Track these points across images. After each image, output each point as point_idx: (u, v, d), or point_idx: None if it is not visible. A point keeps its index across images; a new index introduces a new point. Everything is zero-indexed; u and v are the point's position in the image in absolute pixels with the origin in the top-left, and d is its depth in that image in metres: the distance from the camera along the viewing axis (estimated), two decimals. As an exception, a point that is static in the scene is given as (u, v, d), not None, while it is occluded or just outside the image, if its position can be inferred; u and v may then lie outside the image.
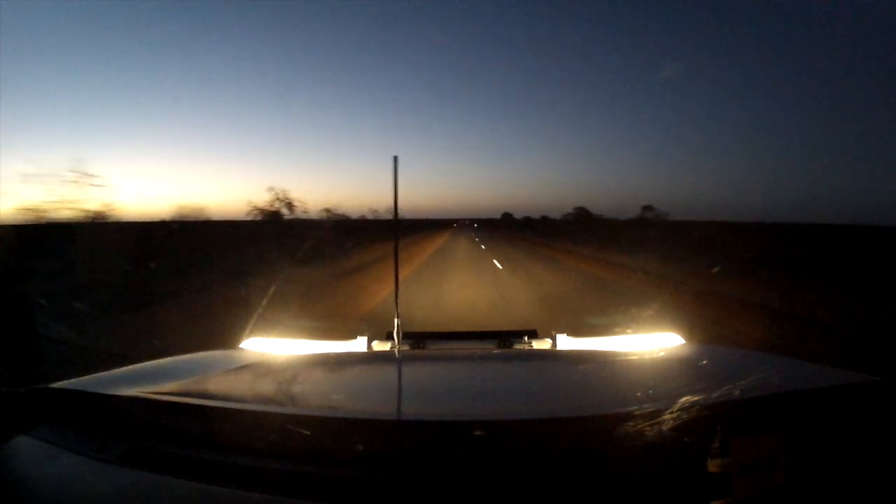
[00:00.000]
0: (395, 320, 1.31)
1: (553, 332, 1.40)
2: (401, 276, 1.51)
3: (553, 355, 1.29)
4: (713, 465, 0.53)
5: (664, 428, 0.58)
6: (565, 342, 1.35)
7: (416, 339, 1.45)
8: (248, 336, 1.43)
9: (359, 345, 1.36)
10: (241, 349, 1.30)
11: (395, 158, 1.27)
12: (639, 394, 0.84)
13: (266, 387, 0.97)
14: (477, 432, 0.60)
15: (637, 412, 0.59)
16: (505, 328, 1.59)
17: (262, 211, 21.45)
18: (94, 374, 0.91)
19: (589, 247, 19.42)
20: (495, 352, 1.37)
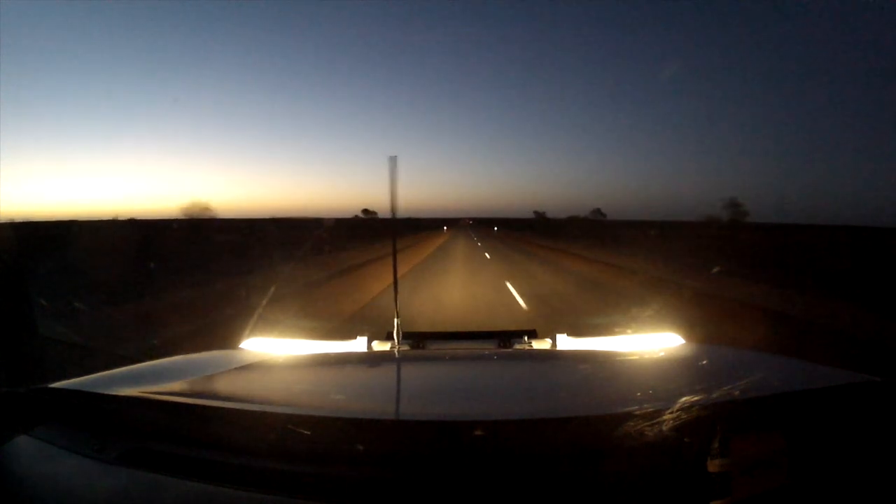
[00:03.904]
0: (395, 320, 1.31)
1: (553, 332, 1.41)
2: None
3: (553, 355, 1.29)
4: (713, 465, 0.53)
5: (664, 428, 0.58)
6: (565, 342, 1.35)
7: (416, 339, 1.45)
8: (249, 336, 1.43)
9: (359, 345, 1.36)
10: (241, 349, 1.30)
11: (392, 158, 1.27)
12: (639, 394, 0.84)
13: (266, 387, 0.97)
14: (477, 432, 0.60)
15: (637, 412, 0.59)
16: (505, 328, 1.59)
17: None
18: (94, 374, 0.91)
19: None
20: (495, 352, 1.37)
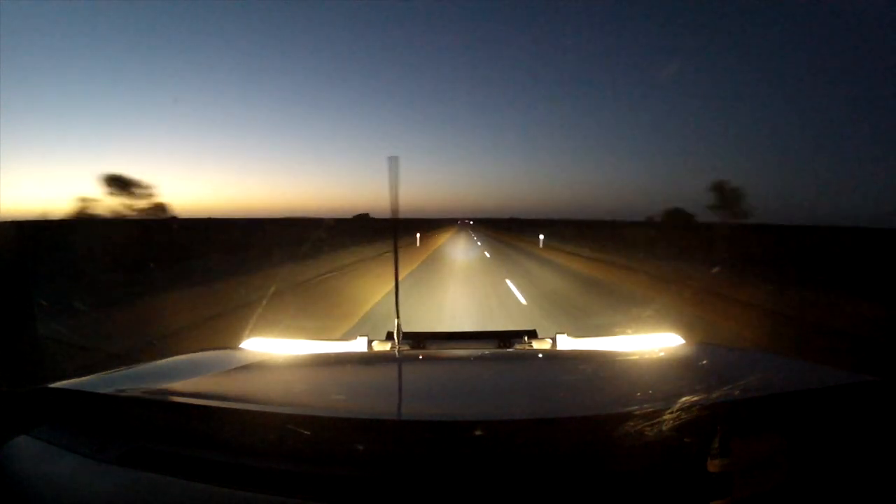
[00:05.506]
0: (395, 320, 1.31)
1: (553, 333, 1.41)
2: None
3: (553, 355, 1.29)
4: (713, 465, 0.53)
5: (664, 428, 0.58)
6: (565, 342, 1.35)
7: (416, 339, 1.45)
8: (249, 336, 1.43)
9: (359, 345, 1.36)
10: (241, 349, 1.30)
11: (393, 159, 1.27)
12: (639, 394, 0.84)
13: (266, 387, 0.97)
14: (477, 432, 0.60)
15: (637, 412, 0.59)
16: (505, 329, 1.59)
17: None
18: (94, 374, 0.91)
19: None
20: (495, 352, 1.37)
